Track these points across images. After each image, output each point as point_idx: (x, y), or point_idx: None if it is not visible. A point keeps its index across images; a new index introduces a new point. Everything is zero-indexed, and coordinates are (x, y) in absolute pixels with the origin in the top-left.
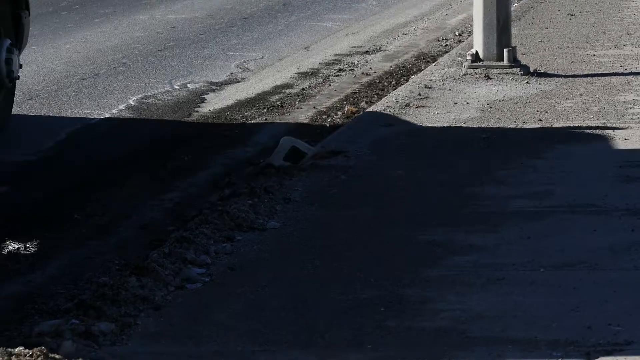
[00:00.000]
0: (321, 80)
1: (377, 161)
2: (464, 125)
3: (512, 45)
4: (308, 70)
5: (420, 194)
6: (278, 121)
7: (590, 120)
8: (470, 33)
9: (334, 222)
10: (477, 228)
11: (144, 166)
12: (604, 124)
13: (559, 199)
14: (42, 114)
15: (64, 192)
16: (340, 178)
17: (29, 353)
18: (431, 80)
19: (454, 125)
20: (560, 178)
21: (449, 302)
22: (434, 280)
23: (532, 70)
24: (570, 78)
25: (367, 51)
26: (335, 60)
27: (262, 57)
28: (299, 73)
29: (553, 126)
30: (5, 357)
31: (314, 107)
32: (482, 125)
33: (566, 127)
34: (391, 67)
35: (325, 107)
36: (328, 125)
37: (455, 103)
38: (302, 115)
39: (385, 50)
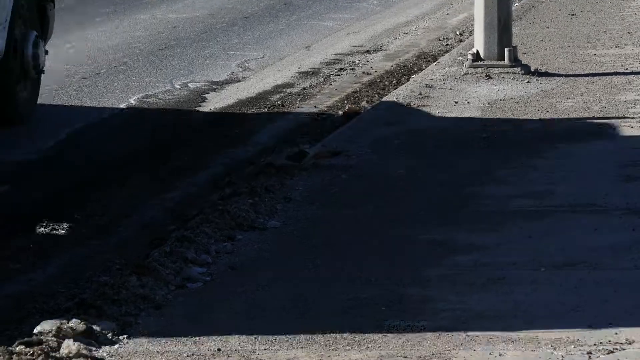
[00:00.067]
0: (322, 79)
1: (377, 160)
2: (465, 124)
3: (513, 44)
4: (309, 70)
5: (421, 194)
6: (279, 120)
7: (591, 119)
8: (471, 32)
9: (334, 221)
10: (478, 227)
11: (144, 165)
12: (605, 123)
13: (560, 198)
14: (43, 113)
15: (64, 192)
16: (341, 177)
17: (29, 352)
18: (432, 79)
19: (454, 124)
20: (560, 177)
21: (449, 302)
22: (434, 280)
23: (533, 70)
24: (571, 77)
25: (368, 50)
26: (336, 59)
27: (263, 57)
28: (299, 72)
29: (554, 126)
30: (6, 356)
31: (315, 107)
32: (483, 125)
33: (567, 126)
34: (392, 66)
35: (326, 107)
36: (329, 124)
37: (456, 102)
38: (303, 114)
39: (386, 49)
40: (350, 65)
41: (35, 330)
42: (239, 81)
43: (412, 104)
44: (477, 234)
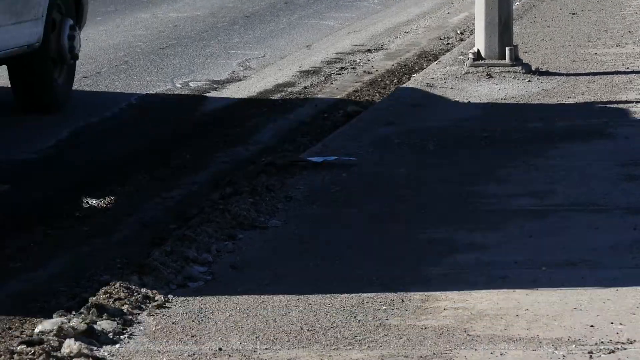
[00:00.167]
0: (323, 78)
1: (378, 160)
2: (466, 123)
3: (514, 43)
4: (310, 69)
5: (421, 193)
6: (279, 120)
7: (592, 119)
8: (472, 32)
9: (335, 220)
10: (479, 226)
11: (145, 164)
12: (606, 122)
13: (561, 197)
14: (43, 113)
15: (65, 191)
16: (342, 176)
17: (31, 351)
18: (433, 78)
19: (455, 123)
20: (561, 176)
21: (451, 301)
22: (436, 279)
23: (533, 69)
24: (572, 76)
25: (369, 49)
26: (337, 58)
27: (264, 56)
28: (300, 71)
29: (554, 125)
30: (7, 356)
31: (316, 106)
32: (484, 124)
33: (568, 125)
34: (393, 65)
35: (327, 106)
36: (329, 123)
37: (457, 101)
38: (304, 113)
39: (387, 48)
40: (351, 64)
41: (36, 330)
42: (240, 80)
43: (412, 103)
44: (478, 233)
